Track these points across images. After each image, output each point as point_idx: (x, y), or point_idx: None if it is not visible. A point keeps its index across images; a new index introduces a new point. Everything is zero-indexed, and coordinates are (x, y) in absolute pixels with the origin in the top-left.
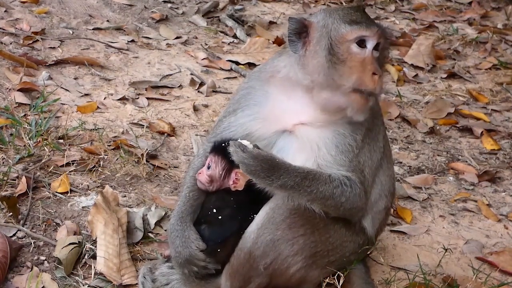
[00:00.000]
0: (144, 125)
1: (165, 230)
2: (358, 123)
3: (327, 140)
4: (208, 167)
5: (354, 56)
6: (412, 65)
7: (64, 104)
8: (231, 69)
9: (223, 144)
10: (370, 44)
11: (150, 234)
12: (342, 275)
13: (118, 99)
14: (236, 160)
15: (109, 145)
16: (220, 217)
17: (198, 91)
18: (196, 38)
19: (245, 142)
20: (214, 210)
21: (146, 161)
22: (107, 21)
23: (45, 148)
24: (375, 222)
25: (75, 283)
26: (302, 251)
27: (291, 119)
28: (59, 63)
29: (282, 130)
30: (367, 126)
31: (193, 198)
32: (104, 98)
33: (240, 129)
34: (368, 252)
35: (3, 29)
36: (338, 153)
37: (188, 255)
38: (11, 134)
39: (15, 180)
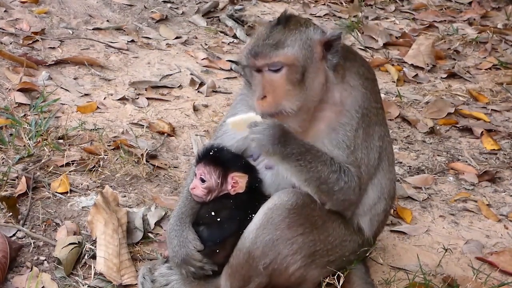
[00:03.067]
0: (144, 125)
1: (165, 230)
2: (347, 120)
3: (322, 134)
4: (202, 180)
5: (254, 79)
6: (412, 65)
7: (64, 104)
8: (231, 69)
9: (210, 152)
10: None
11: (150, 234)
12: (342, 275)
13: (118, 99)
14: (256, 135)
15: (109, 145)
16: (218, 219)
17: (198, 91)
18: (196, 38)
19: (256, 117)
20: (213, 213)
21: (146, 161)
22: (107, 21)
23: (45, 148)
24: (373, 224)
25: (75, 283)
26: (301, 250)
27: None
28: (59, 63)
29: None
30: (360, 124)
31: (194, 199)
32: (104, 98)
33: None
34: (367, 254)
35: (3, 29)
36: (334, 148)
37: (185, 255)
38: (11, 134)
39: (15, 180)
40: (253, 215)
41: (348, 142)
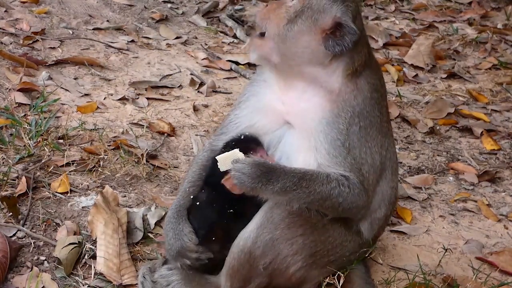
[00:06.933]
0: (144, 125)
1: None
2: (342, 112)
3: (317, 127)
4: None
5: None
6: (412, 65)
7: (64, 104)
8: (231, 69)
9: (241, 137)
10: None
11: (150, 234)
12: (342, 275)
13: (118, 99)
14: (236, 173)
15: (109, 145)
16: (197, 203)
17: (198, 91)
18: (196, 38)
19: (239, 154)
20: (191, 197)
21: (146, 161)
22: (107, 21)
23: (45, 148)
24: (373, 228)
25: (75, 283)
26: (301, 251)
27: (286, 108)
28: (59, 63)
29: (282, 121)
30: (356, 121)
31: (193, 193)
32: (104, 98)
33: (244, 120)
34: (366, 255)
35: (3, 29)
36: (330, 147)
37: (180, 247)
38: (11, 134)
39: (15, 180)
40: (231, 210)
41: (342, 139)
